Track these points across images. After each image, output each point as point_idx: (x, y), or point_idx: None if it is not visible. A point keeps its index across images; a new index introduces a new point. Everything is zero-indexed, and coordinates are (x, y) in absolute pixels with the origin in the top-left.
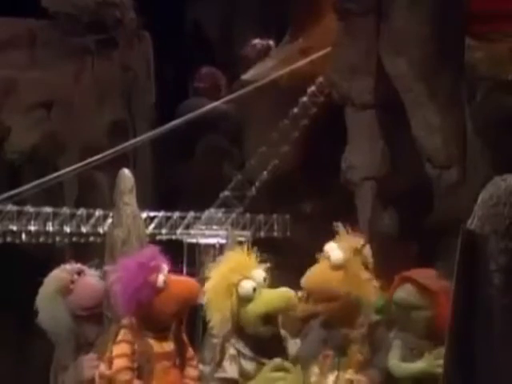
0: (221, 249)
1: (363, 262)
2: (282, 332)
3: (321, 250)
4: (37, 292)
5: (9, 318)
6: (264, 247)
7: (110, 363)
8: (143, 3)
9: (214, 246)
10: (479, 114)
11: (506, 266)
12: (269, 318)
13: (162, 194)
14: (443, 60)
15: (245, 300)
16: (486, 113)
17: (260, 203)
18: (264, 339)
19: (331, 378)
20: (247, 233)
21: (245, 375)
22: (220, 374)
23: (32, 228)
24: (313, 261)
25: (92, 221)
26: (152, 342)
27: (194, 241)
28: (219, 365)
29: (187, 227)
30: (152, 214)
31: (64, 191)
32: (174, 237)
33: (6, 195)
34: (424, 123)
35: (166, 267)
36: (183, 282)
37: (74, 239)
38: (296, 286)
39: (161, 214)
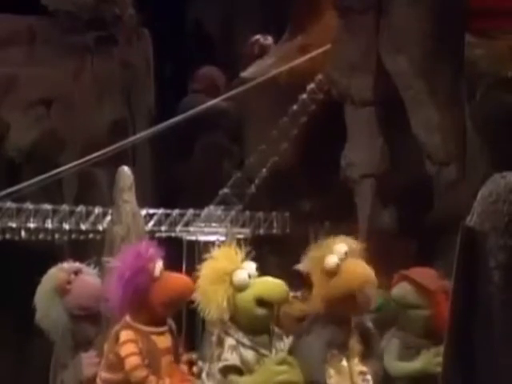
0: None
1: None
2: (277, 330)
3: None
4: (36, 290)
5: (8, 316)
6: (263, 244)
7: (115, 367)
8: (142, 0)
9: (213, 243)
10: (479, 112)
11: (505, 262)
12: (264, 302)
13: (162, 192)
14: (443, 57)
15: (240, 288)
16: (485, 110)
17: (259, 201)
18: (260, 326)
19: (347, 375)
20: (246, 230)
21: (245, 365)
22: (222, 363)
23: (31, 225)
24: None
25: (91, 218)
26: (154, 337)
27: (193, 238)
28: (219, 358)
29: (186, 224)
30: (151, 211)
31: (63, 188)
32: (173, 234)
33: (5, 192)
34: (424, 120)
35: (161, 260)
36: (178, 276)
37: (74, 236)
38: (294, 285)
39: (160, 211)
